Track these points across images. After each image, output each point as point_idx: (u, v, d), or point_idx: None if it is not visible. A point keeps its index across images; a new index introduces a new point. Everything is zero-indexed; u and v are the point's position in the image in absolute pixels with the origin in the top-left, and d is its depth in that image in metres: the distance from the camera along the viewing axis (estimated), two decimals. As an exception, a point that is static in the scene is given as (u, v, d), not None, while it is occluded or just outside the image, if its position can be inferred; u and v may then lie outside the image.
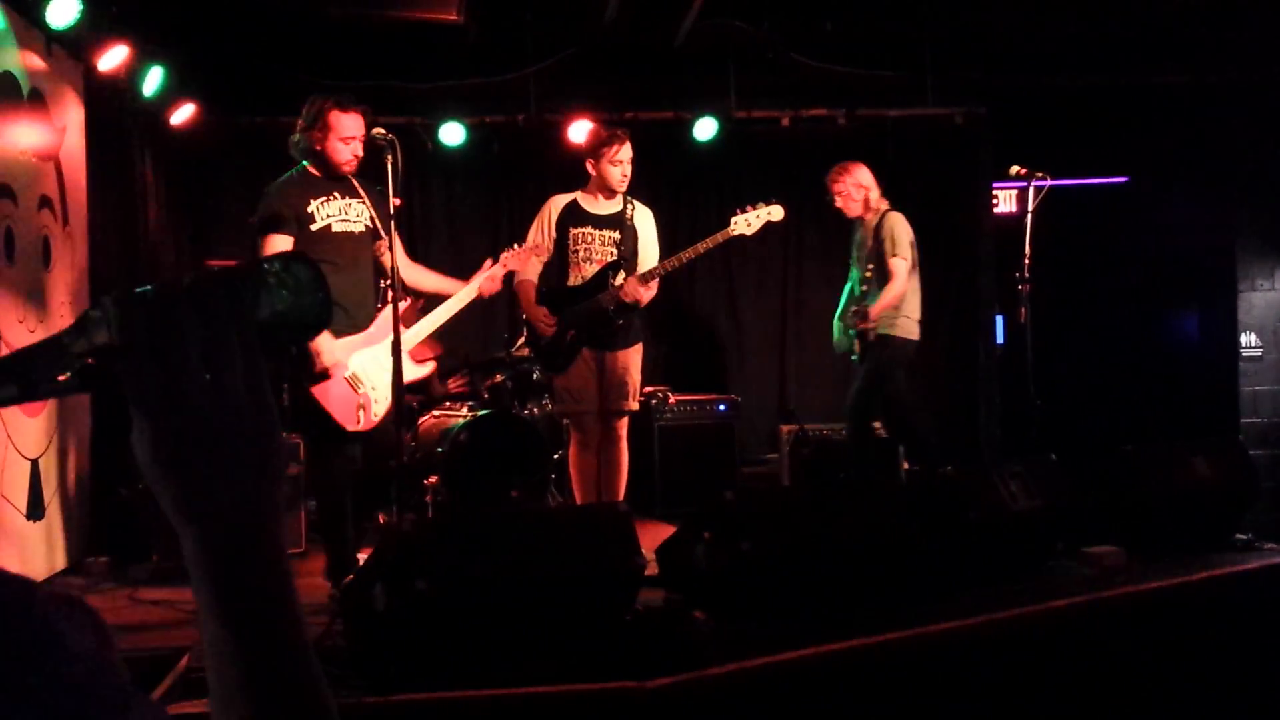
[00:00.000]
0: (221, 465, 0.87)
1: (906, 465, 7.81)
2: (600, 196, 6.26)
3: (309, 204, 5.19)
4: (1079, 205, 8.70)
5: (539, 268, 6.28)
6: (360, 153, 5.17)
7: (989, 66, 8.58)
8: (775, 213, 6.35)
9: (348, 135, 5.13)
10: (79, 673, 0.67)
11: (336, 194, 5.25)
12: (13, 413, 5.36)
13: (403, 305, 5.32)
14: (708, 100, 8.48)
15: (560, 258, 6.21)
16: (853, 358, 7.06)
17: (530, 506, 6.77)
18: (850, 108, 8.65)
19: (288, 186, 5.26)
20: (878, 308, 6.65)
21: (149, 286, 0.87)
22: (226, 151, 8.51)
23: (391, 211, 4.97)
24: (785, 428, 8.15)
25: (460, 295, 5.56)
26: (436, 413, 7.36)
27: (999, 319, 8.81)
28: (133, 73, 6.70)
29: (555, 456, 7.01)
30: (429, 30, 7.28)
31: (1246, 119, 8.51)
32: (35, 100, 5.76)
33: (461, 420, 7.12)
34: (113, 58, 6.34)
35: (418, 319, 5.79)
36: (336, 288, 5.11)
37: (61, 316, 5.99)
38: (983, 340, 8.86)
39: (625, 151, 6.18)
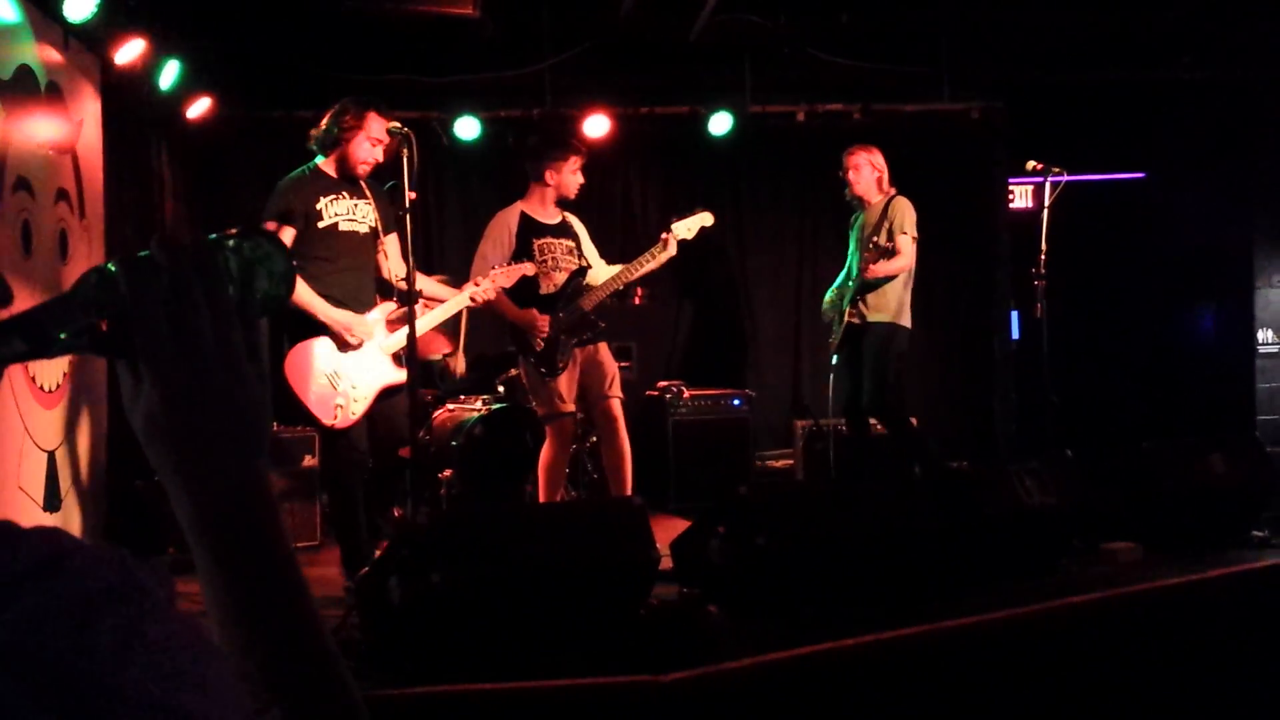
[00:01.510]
0: (225, 427, 0.88)
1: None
2: (548, 206, 6.31)
3: (318, 201, 5.28)
4: (1095, 201, 8.67)
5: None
6: (380, 158, 5.29)
7: (1005, 61, 8.56)
8: (706, 218, 6.42)
9: (376, 138, 5.24)
10: (178, 623, 0.70)
11: (345, 193, 5.35)
12: (29, 404, 5.39)
13: (391, 307, 5.46)
14: (723, 95, 8.47)
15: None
16: (834, 333, 6.99)
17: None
18: (866, 102, 8.63)
19: (299, 183, 5.35)
20: (883, 269, 6.62)
21: (148, 251, 0.87)
22: (242, 145, 8.53)
23: (407, 205, 4.97)
24: (800, 422, 8.14)
25: (450, 304, 5.63)
26: (451, 406, 7.37)
27: (1014, 315, 8.78)
28: (149, 66, 6.72)
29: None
30: (445, 24, 7.27)
31: (1264, 115, 8.47)
32: (52, 93, 5.77)
33: (476, 414, 7.13)
34: (129, 51, 6.35)
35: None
36: (337, 284, 5.20)
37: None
38: (998, 336, 8.85)
39: (580, 163, 6.32)
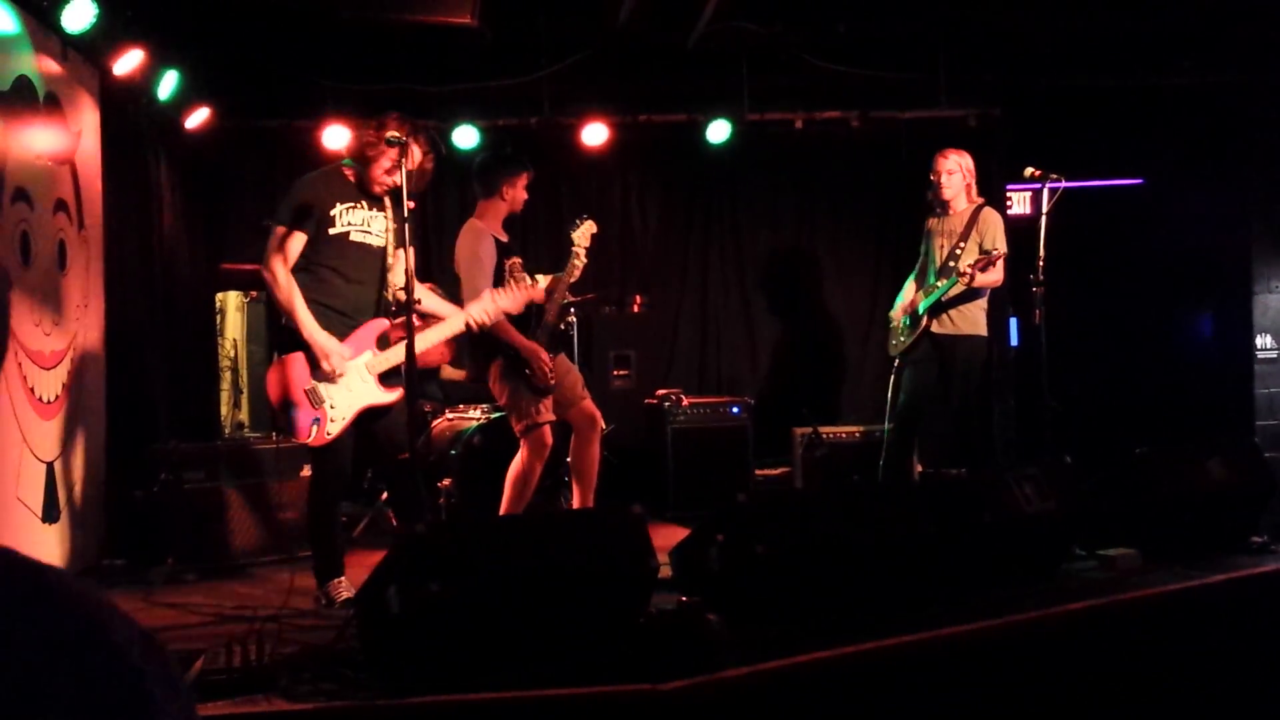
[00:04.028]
0: None
1: (920, 468, 7.80)
2: (501, 224, 6.31)
3: (334, 206, 5.16)
4: (1093, 207, 8.67)
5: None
6: (398, 183, 5.11)
7: (1003, 68, 8.56)
8: (592, 226, 6.32)
9: (407, 164, 5.10)
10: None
11: (364, 203, 5.22)
12: (28, 415, 5.39)
13: (385, 325, 5.33)
14: (721, 103, 8.48)
15: (498, 286, 6.23)
16: (901, 337, 6.99)
17: (543, 509, 6.78)
18: (864, 110, 8.64)
19: (319, 183, 5.24)
20: (981, 281, 6.66)
21: None
22: (240, 154, 8.54)
23: (406, 214, 4.96)
24: (798, 430, 8.14)
25: (446, 326, 5.54)
26: (450, 415, 7.38)
27: (1013, 321, 8.78)
28: (148, 77, 6.73)
29: (568, 459, 7.02)
30: (443, 33, 7.30)
31: (1262, 120, 8.48)
32: (51, 104, 5.78)
33: (474, 423, 7.15)
34: (128, 62, 6.37)
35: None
36: (339, 295, 5.12)
37: (77, 319, 6.01)
38: (997, 342, 8.84)
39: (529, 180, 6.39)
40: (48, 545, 5.61)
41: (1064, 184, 6.27)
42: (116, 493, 6.35)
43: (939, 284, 6.85)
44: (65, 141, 5.97)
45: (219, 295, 8.81)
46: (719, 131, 8.50)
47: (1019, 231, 7.83)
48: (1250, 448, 6.32)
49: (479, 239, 6.18)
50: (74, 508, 5.91)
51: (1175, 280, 8.89)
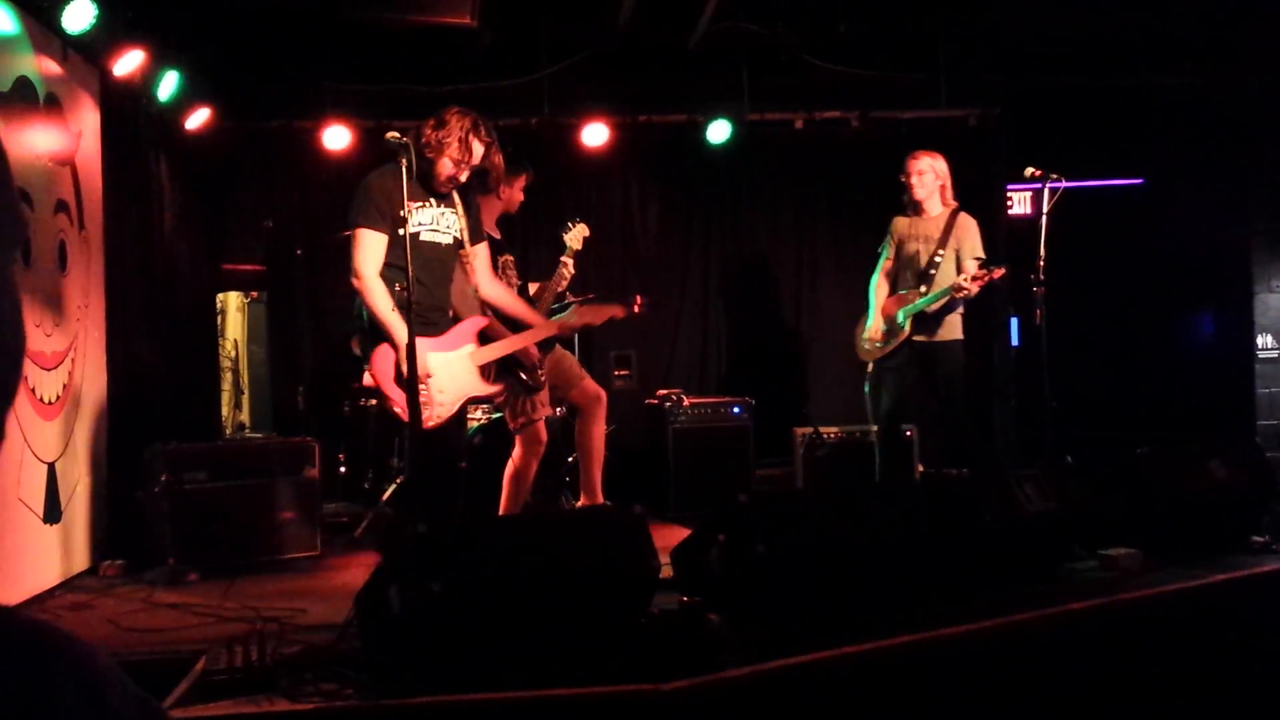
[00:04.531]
0: None
1: (921, 468, 7.80)
2: (494, 222, 6.39)
3: (403, 207, 5.01)
4: (1094, 207, 8.68)
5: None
6: (463, 179, 5.21)
7: (1003, 68, 8.57)
8: (584, 229, 6.47)
9: (458, 159, 5.16)
10: None
11: (432, 200, 5.18)
12: (29, 416, 5.38)
13: (485, 321, 5.43)
14: (721, 103, 8.49)
15: None
16: (880, 340, 6.96)
17: (545, 509, 6.78)
18: (864, 110, 8.65)
19: (389, 181, 5.09)
20: (976, 288, 6.65)
21: None
22: (241, 155, 8.54)
23: (406, 214, 4.95)
24: (799, 430, 8.14)
25: (538, 329, 5.61)
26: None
27: (1014, 321, 8.79)
28: (148, 77, 6.73)
29: (570, 460, 7.03)
30: (443, 34, 7.30)
31: (1262, 120, 8.48)
32: (51, 105, 5.78)
33: (476, 424, 7.15)
34: (128, 62, 6.37)
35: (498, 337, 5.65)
36: (417, 295, 4.97)
37: (78, 320, 6.01)
38: (998, 342, 8.85)
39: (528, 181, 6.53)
40: (49, 546, 5.61)
41: (1064, 184, 6.27)
42: (117, 493, 6.34)
43: (922, 291, 6.81)
44: (65, 142, 5.97)
45: (220, 296, 8.83)
46: (719, 132, 8.51)
47: (1019, 231, 7.85)
48: (1251, 447, 6.32)
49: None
50: (75, 508, 5.91)
51: (1175, 280, 8.90)
